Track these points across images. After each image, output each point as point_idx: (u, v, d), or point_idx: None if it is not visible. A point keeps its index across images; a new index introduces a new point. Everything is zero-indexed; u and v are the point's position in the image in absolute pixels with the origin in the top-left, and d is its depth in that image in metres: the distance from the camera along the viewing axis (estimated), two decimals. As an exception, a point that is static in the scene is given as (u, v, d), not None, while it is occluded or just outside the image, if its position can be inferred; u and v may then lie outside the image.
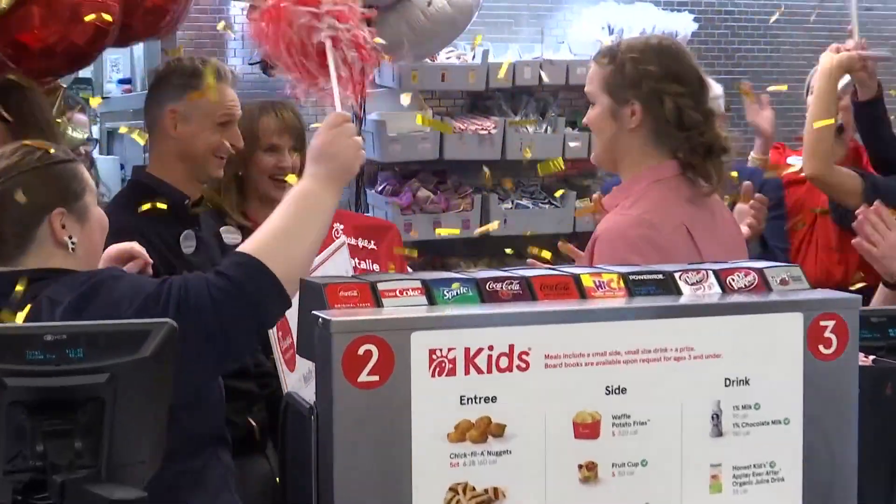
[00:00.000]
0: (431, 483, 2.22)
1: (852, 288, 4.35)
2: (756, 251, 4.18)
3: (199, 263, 3.63)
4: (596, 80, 3.36)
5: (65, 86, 4.52)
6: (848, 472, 2.46)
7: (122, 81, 6.79)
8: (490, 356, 2.24)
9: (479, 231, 5.85)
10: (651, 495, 2.36)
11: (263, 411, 3.79)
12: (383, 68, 6.20)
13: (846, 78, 4.81)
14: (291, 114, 4.25)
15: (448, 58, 6.31)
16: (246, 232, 4.07)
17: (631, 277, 2.45)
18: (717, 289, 2.49)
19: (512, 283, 2.38)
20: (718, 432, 2.39)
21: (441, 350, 2.21)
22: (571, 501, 2.30)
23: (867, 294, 3.51)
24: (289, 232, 2.81)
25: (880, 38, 6.86)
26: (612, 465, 2.33)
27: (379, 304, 2.28)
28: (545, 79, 6.36)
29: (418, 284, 2.33)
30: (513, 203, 6.47)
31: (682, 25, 6.53)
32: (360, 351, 2.16)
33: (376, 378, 2.17)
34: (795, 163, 5.02)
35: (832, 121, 4.68)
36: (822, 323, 2.44)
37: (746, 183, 4.19)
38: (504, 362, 2.25)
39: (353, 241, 4.07)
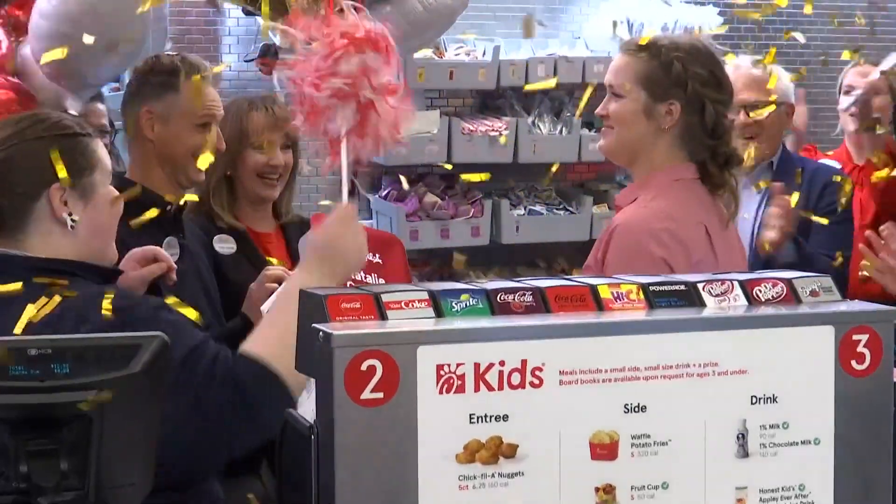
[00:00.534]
0: (439, 507, 2.22)
1: None
2: (791, 255, 4.17)
3: (182, 271, 3.64)
4: (629, 73, 3.39)
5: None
6: (882, 496, 2.46)
7: (110, 80, 6.78)
8: (501, 372, 2.24)
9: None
10: (672, 520, 2.36)
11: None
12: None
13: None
14: (282, 109, 4.25)
15: (457, 54, 6.32)
16: (238, 236, 4.08)
17: (651, 288, 2.45)
18: (742, 300, 2.49)
19: (525, 295, 2.38)
20: (744, 453, 2.39)
21: (449, 365, 2.22)
22: (588, 526, 2.31)
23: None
24: (291, 332, 2.79)
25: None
26: (630, 489, 2.33)
27: (383, 317, 2.29)
28: (560, 76, 6.37)
29: (425, 296, 2.33)
30: (526, 209, 6.47)
31: (705, 20, 6.53)
32: (364, 366, 2.17)
33: (380, 395, 2.18)
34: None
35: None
36: (855, 337, 2.44)
37: (777, 184, 4.20)
38: (516, 378, 2.26)
39: None
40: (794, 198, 3.88)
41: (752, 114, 4.54)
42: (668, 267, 3.15)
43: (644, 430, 2.33)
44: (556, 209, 6.49)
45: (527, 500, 2.27)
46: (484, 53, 6.30)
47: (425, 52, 6.13)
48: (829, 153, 5.19)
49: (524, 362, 2.26)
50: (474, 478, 2.23)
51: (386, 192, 6.25)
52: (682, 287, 2.48)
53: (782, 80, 4.74)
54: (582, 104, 3.80)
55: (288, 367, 2.61)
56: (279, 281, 3.58)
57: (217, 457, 2.88)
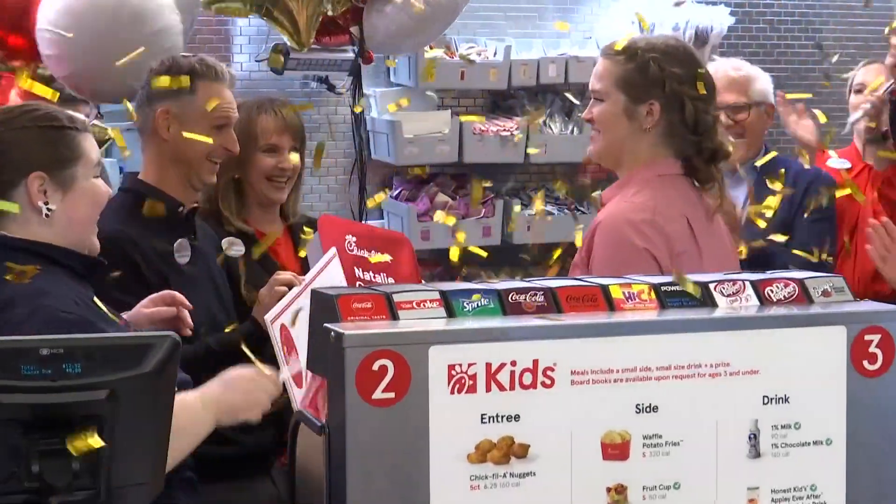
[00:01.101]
0: (450, 507, 2.23)
1: None
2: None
3: (194, 274, 3.63)
4: (609, 77, 3.44)
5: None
6: (895, 496, 2.46)
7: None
8: (513, 372, 2.25)
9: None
10: (684, 520, 2.37)
11: (270, 429, 3.79)
12: (399, 65, 6.22)
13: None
14: (291, 112, 4.25)
15: (468, 54, 6.31)
16: (248, 240, 4.08)
17: (663, 288, 2.45)
18: (754, 300, 2.49)
19: (536, 295, 2.38)
20: (756, 453, 2.40)
21: (461, 365, 2.22)
22: (599, 527, 2.31)
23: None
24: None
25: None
26: (642, 489, 2.33)
27: (395, 317, 2.29)
28: (571, 76, 6.36)
29: (436, 296, 2.34)
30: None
31: (717, 20, 6.52)
32: (375, 366, 2.17)
33: (392, 395, 2.18)
34: (835, 165, 5.00)
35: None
36: (867, 337, 2.44)
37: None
38: (528, 378, 2.26)
39: (366, 254, 4.07)
40: (777, 199, 3.88)
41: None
42: (652, 257, 3.16)
43: (656, 431, 2.34)
44: (568, 209, 6.49)
45: (538, 501, 2.27)
46: (495, 53, 6.30)
47: (436, 52, 6.13)
48: (838, 149, 5.17)
49: (536, 362, 2.26)
50: (486, 478, 2.24)
51: (397, 192, 6.24)
52: (694, 287, 2.48)
53: (760, 81, 4.77)
54: None
55: None
56: (289, 285, 3.58)
57: None
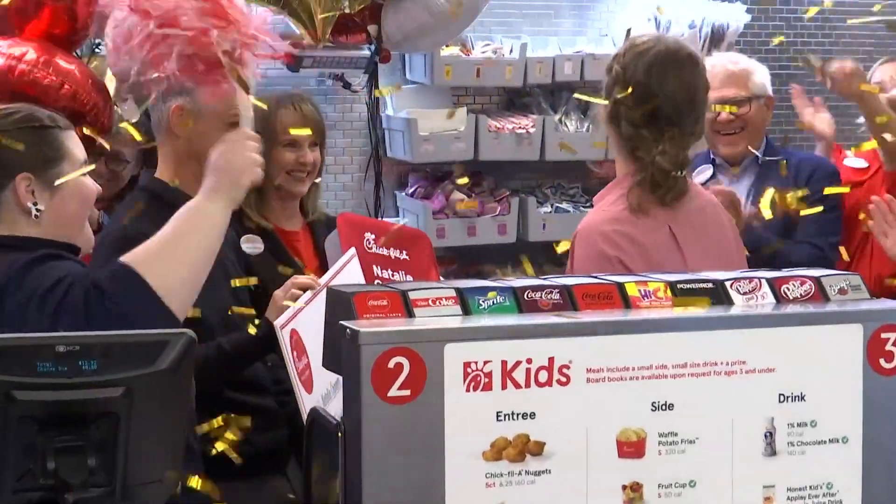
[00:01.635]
0: (466, 504, 2.23)
1: None
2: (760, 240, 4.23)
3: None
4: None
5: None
6: (911, 495, 2.46)
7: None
8: (528, 370, 2.25)
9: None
10: (700, 518, 2.36)
11: (285, 428, 3.79)
12: (414, 63, 6.22)
13: None
14: (311, 106, 4.25)
15: (483, 52, 6.31)
16: (267, 236, 4.08)
17: (679, 286, 2.45)
18: (770, 298, 2.49)
19: (552, 292, 2.38)
20: (772, 451, 2.39)
21: (476, 363, 2.22)
22: (615, 525, 2.31)
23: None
24: (169, 243, 2.90)
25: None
26: (658, 487, 2.33)
27: (410, 315, 2.29)
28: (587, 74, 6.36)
29: (452, 293, 2.34)
30: (552, 207, 6.46)
31: (733, 17, 6.50)
32: (391, 364, 2.17)
33: (407, 392, 2.18)
34: (852, 164, 4.99)
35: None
36: (884, 335, 2.43)
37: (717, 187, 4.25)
38: (543, 376, 2.26)
39: (384, 252, 4.07)
40: (768, 197, 3.87)
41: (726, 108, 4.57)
42: (625, 267, 3.13)
43: (671, 428, 2.33)
44: (584, 207, 6.48)
45: (554, 498, 2.27)
46: (511, 51, 6.29)
47: (452, 50, 6.13)
48: (854, 150, 5.15)
49: (551, 360, 2.26)
50: (501, 475, 2.24)
51: (413, 189, 6.24)
52: (710, 285, 2.48)
53: (759, 73, 4.76)
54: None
55: (154, 272, 2.79)
56: (305, 289, 3.58)
57: None
